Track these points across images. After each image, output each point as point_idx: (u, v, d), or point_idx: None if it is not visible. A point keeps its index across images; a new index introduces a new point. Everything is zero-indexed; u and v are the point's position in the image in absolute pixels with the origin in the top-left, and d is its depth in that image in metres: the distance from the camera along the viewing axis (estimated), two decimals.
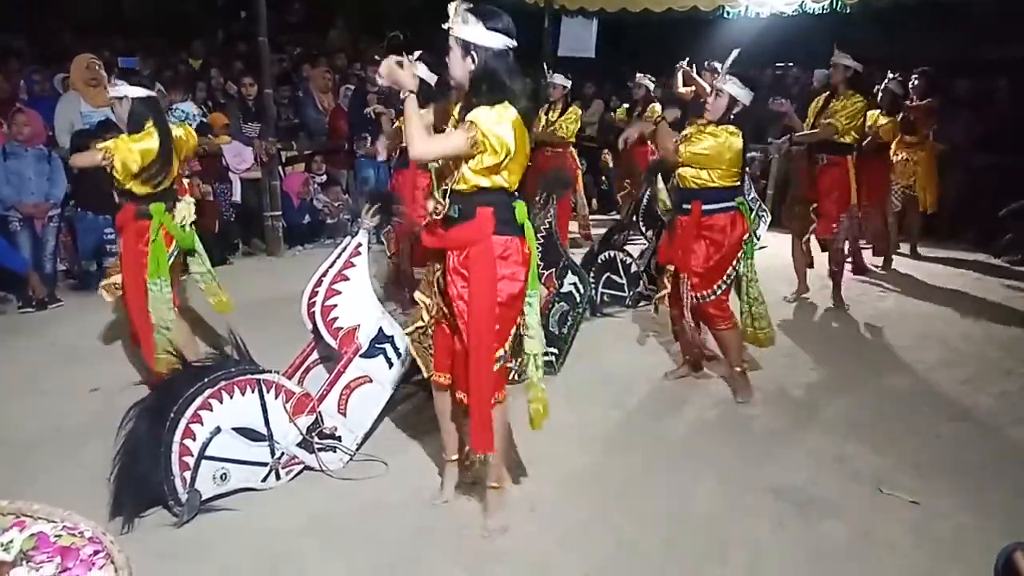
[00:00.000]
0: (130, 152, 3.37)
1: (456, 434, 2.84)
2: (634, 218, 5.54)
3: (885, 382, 4.13)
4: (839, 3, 7.38)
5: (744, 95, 3.54)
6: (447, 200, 2.44)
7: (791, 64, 9.24)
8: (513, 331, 2.56)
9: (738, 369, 3.85)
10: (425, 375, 2.76)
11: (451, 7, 2.32)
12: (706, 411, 3.77)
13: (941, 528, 2.72)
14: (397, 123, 4.57)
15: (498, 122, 2.31)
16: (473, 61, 2.33)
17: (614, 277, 5.29)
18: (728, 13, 8.27)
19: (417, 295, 2.71)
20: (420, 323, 2.70)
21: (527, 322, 2.55)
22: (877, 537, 2.70)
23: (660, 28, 8.97)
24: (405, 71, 2.38)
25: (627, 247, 5.42)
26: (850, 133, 5.04)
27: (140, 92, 3.46)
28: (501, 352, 2.51)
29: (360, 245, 3.13)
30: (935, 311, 5.50)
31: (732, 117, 3.56)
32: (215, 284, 3.80)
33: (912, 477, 3.11)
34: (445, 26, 2.33)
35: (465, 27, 2.30)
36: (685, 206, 3.68)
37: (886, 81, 6.10)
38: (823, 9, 7.57)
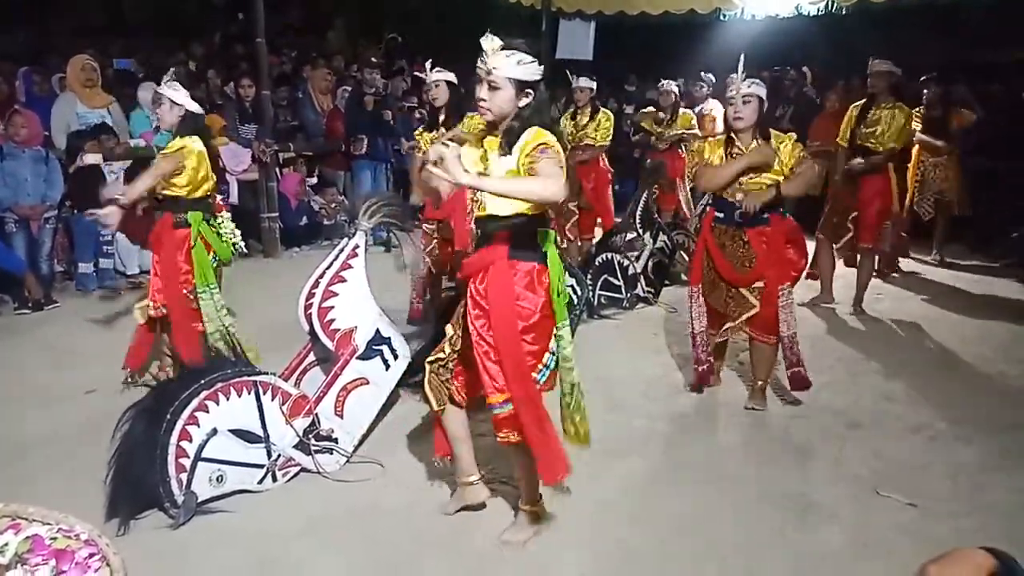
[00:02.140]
0: (193, 153, 3.57)
1: (471, 455, 2.77)
2: (631, 221, 5.55)
3: (882, 384, 4.14)
4: (835, 5, 7.40)
5: (764, 93, 3.52)
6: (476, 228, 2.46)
7: (788, 67, 9.27)
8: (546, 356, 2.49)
9: (760, 383, 3.81)
10: (435, 408, 2.64)
11: (487, 45, 2.30)
12: (704, 414, 3.77)
13: (939, 530, 2.72)
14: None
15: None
16: (528, 97, 2.35)
17: (611, 279, 5.29)
18: (724, 16, 8.29)
19: (448, 326, 2.61)
20: (441, 355, 2.59)
21: (562, 354, 2.49)
22: (875, 540, 2.70)
23: (657, 30, 9.00)
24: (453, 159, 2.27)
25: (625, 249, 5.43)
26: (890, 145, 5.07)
27: (196, 107, 3.71)
28: (545, 360, 2.48)
29: (357, 247, 3.13)
30: (932, 313, 5.51)
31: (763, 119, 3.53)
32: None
33: (909, 479, 3.11)
34: (483, 67, 2.30)
35: (520, 68, 2.31)
36: (765, 216, 3.56)
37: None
38: (819, 11, 7.60)
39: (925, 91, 6.48)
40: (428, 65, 4.47)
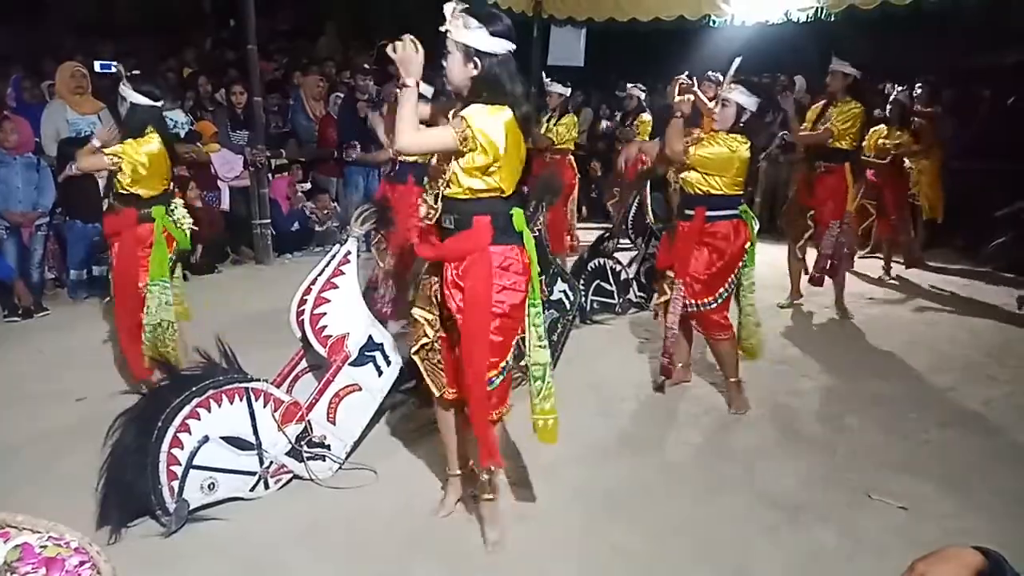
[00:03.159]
0: (138, 155, 3.53)
1: (461, 448, 2.77)
2: (624, 226, 5.56)
3: (873, 388, 4.15)
4: (824, 11, 7.44)
5: (751, 103, 3.51)
6: (439, 205, 2.38)
7: (779, 73, 9.31)
8: (514, 342, 2.48)
9: (733, 380, 3.80)
10: (436, 394, 2.64)
11: (447, 9, 2.25)
12: (696, 417, 3.78)
13: (929, 532, 2.73)
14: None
15: (490, 121, 2.24)
16: (476, 67, 2.27)
17: (604, 284, 5.30)
18: (714, 22, 8.32)
19: (416, 312, 2.60)
20: (425, 339, 2.59)
21: (536, 332, 2.46)
22: (866, 542, 2.71)
23: (647, 37, 9.02)
24: (418, 56, 2.27)
25: (616, 255, 5.44)
26: (846, 139, 5.01)
27: (142, 100, 3.59)
28: (503, 364, 2.44)
29: (349, 253, 3.12)
30: (922, 317, 5.55)
31: (741, 125, 3.53)
32: (181, 291, 3.90)
33: (900, 482, 3.12)
34: (442, 28, 2.26)
35: (467, 32, 2.23)
36: (688, 212, 3.62)
37: (895, 93, 6.17)
38: (808, 17, 7.63)
39: (915, 94, 6.54)
40: None
